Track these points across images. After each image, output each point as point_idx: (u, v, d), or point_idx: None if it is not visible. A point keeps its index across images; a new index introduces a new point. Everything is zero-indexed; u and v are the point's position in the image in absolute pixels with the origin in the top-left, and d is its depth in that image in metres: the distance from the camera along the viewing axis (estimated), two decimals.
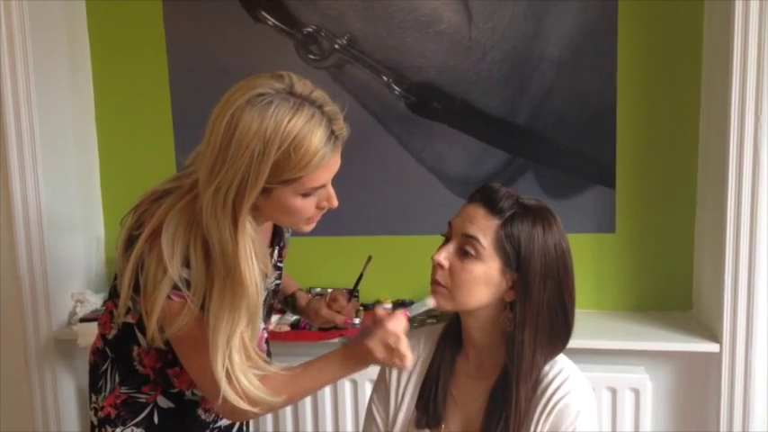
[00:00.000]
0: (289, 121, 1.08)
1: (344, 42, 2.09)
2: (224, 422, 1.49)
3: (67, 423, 2.21)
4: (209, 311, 1.17)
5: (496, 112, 2.06)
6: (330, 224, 2.16)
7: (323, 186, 1.18)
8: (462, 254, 1.18)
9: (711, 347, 1.85)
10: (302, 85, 1.13)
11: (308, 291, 1.71)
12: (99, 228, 2.32)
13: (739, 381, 1.83)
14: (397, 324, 1.21)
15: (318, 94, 1.14)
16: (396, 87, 2.10)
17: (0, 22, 2.00)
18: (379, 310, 1.24)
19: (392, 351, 1.20)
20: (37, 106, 2.05)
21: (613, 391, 1.90)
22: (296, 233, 1.49)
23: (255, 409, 1.20)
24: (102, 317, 1.41)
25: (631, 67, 1.99)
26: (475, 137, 2.08)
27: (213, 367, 1.16)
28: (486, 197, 1.19)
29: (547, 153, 2.06)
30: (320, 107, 1.12)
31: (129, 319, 1.31)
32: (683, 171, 2.01)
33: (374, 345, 1.21)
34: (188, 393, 1.39)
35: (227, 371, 1.17)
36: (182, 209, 1.18)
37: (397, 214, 2.16)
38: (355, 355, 1.25)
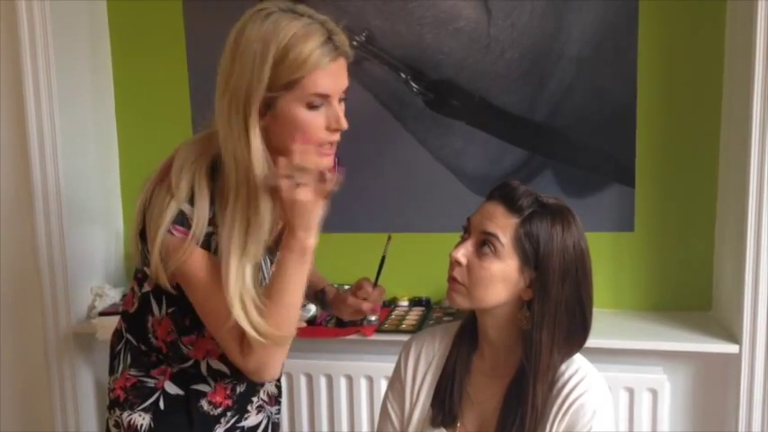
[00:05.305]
0: (287, 25, 1.15)
1: (363, 39, 2.09)
2: (248, 423, 1.49)
3: (86, 416, 2.23)
4: (220, 237, 1.20)
5: (515, 109, 2.05)
6: (347, 220, 2.19)
7: (327, 97, 1.18)
8: (480, 251, 1.17)
9: (731, 348, 1.83)
10: (306, 8, 1.20)
11: None
12: (118, 222, 2.34)
13: (759, 382, 1.81)
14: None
15: (323, 17, 1.20)
16: (414, 84, 2.09)
17: (22, 13, 2.02)
18: None
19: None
20: (57, 100, 2.07)
21: (631, 392, 1.89)
22: None
23: (266, 341, 1.18)
24: (127, 297, 1.44)
25: (652, 65, 1.97)
26: (493, 134, 2.07)
27: (226, 291, 1.17)
28: (505, 195, 1.19)
29: (565, 151, 2.04)
30: (322, 23, 1.18)
31: (146, 287, 1.34)
32: (704, 169, 1.98)
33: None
34: (202, 365, 1.39)
35: (241, 297, 1.17)
36: (193, 143, 1.27)
37: (414, 211, 2.15)
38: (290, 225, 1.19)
